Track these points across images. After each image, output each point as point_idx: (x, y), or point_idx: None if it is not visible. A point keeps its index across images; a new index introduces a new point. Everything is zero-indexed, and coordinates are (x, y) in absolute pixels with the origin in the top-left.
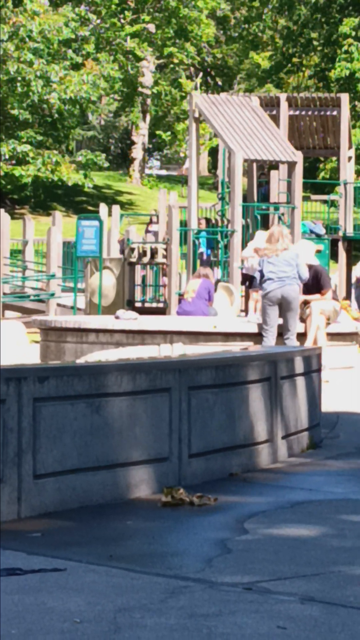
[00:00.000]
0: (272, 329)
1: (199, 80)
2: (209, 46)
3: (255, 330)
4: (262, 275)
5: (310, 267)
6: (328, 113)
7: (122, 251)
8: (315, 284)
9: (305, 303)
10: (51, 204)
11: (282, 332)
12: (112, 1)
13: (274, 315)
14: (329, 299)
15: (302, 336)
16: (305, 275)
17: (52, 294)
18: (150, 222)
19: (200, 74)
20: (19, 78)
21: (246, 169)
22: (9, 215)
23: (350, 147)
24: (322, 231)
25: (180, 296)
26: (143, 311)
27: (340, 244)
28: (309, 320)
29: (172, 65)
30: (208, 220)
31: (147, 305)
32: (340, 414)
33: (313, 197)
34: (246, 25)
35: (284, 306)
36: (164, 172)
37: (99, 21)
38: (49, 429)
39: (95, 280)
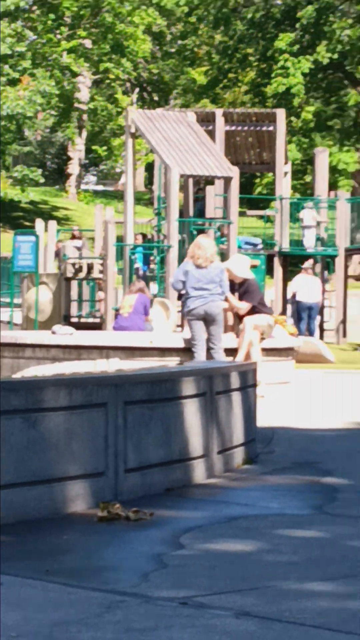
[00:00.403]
0: (201, 344)
1: (135, 96)
2: (145, 62)
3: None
4: (185, 289)
5: (244, 280)
6: (264, 128)
7: (57, 257)
8: (244, 295)
9: (239, 317)
10: None
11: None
12: (49, 17)
13: (200, 330)
14: (262, 315)
15: (236, 352)
16: (228, 290)
17: None
18: (73, 237)
19: (137, 90)
20: None
21: (182, 184)
22: None
23: (286, 163)
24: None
25: (117, 311)
26: (79, 326)
27: (276, 259)
28: (242, 336)
29: (108, 81)
30: (144, 236)
31: (83, 320)
32: (276, 429)
33: (249, 212)
34: (182, 41)
35: (208, 321)
36: (100, 188)
37: (35, 37)
38: None
39: (31, 295)
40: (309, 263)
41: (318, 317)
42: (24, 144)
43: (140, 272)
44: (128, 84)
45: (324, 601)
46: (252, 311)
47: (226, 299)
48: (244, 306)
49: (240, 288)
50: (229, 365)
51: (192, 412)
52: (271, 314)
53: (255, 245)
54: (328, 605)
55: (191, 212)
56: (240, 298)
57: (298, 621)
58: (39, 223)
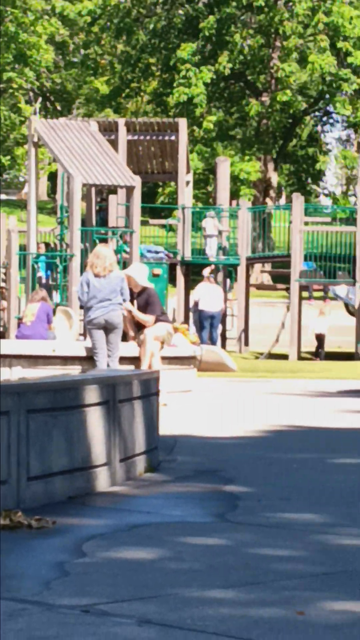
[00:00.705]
0: (102, 352)
1: (38, 105)
2: (48, 71)
3: None
4: (85, 300)
5: (143, 289)
6: (166, 138)
7: None
8: (146, 306)
9: (139, 327)
10: None
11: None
12: None
13: (101, 338)
14: (161, 324)
15: (138, 360)
16: (128, 298)
17: None
18: None
19: (40, 99)
20: None
21: (85, 193)
22: None
23: (188, 172)
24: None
25: (19, 320)
26: None
27: (178, 268)
28: (143, 347)
29: (11, 90)
30: (47, 245)
31: None
32: (178, 437)
33: (151, 221)
34: (85, 50)
35: (108, 329)
36: (3, 197)
37: None
38: None
39: None
40: (207, 271)
41: (220, 326)
42: None
43: (43, 281)
44: (31, 94)
45: (226, 608)
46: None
47: (130, 313)
48: (150, 319)
49: (139, 297)
50: (132, 373)
51: (94, 421)
52: (170, 322)
53: (157, 252)
54: (229, 612)
55: (94, 221)
56: (141, 308)
57: (199, 628)
58: None
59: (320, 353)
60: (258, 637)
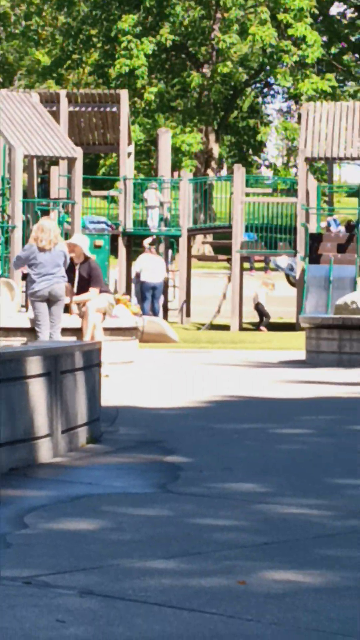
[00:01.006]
0: (44, 324)
1: None
2: None
3: None
4: (28, 271)
5: (85, 260)
6: (108, 109)
7: None
8: (88, 278)
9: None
10: None
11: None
12: None
13: (44, 310)
14: (102, 295)
15: (80, 332)
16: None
17: None
18: None
19: None
20: None
21: (26, 164)
22: None
23: (129, 143)
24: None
25: None
26: None
27: (120, 240)
28: (85, 319)
29: None
30: None
31: None
32: (120, 408)
33: (93, 192)
34: (26, 22)
35: (51, 301)
36: None
37: None
38: None
39: None
40: (147, 241)
41: (162, 297)
42: None
43: None
44: None
45: (167, 579)
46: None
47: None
48: (94, 294)
49: (81, 267)
50: (74, 344)
51: (37, 392)
52: (111, 293)
53: (99, 223)
54: (171, 582)
55: (35, 193)
56: (83, 279)
57: (141, 599)
58: None
59: (264, 321)
60: (199, 607)
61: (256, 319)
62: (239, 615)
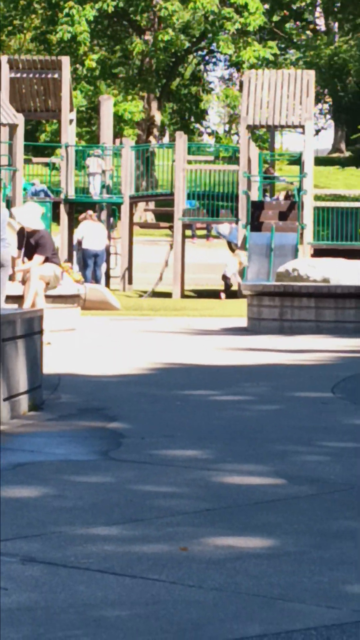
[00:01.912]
0: None
1: None
2: None
3: None
4: None
5: (35, 231)
6: (49, 76)
7: None
8: (36, 246)
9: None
10: None
11: None
12: None
13: None
14: (48, 264)
15: (21, 299)
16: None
17: None
18: None
19: None
20: None
21: None
22: None
23: (71, 110)
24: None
25: None
26: None
27: (62, 207)
28: (27, 286)
29: None
30: None
31: None
32: (62, 375)
33: (34, 159)
34: None
35: None
36: None
37: None
38: None
39: None
40: (90, 212)
41: (104, 264)
42: None
43: None
44: None
45: (109, 545)
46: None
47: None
48: (37, 261)
49: (31, 235)
50: (15, 312)
51: None
52: (58, 264)
53: (38, 191)
54: (113, 549)
55: None
56: (32, 248)
57: (83, 566)
58: None
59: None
60: (141, 574)
61: (200, 287)
62: (181, 581)
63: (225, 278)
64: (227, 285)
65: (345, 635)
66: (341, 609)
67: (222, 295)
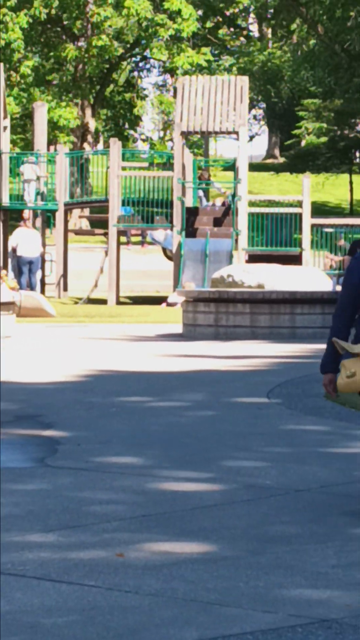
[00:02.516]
0: None
1: None
2: None
3: None
4: None
5: None
6: None
7: None
8: None
9: None
10: None
11: None
12: None
13: None
14: None
15: None
16: None
17: None
18: None
19: None
20: None
21: None
22: None
23: (5, 117)
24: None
25: None
26: None
27: None
28: None
29: None
30: None
31: None
32: None
33: None
34: None
35: None
36: None
37: None
38: None
39: None
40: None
41: (39, 272)
42: None
43: None
44: None
45: (46, 552)
46: None
47: None
48: None
49: None
50: None
51: None
52: None
53: None
54: (49, 556)
55: None
56: None
57: (20, 573)
58: None
59: None
60: (78, 580)
61: (135, 294)
62: (117, 587)
63: None
64: None
65: None
66: (277, 613)
67: (164, 304)
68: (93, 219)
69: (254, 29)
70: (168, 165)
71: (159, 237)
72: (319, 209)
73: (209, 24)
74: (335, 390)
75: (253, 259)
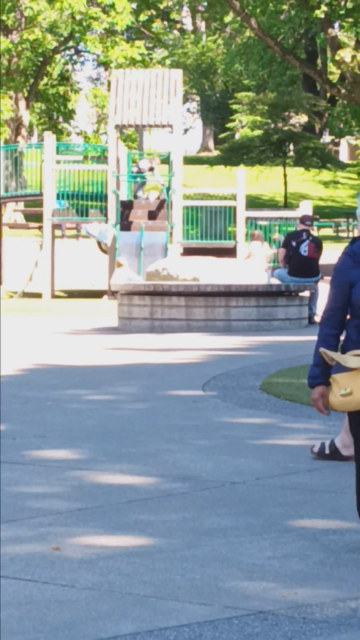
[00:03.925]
0: None
1: None
2: None
3: None
4: None
5: None
6: None
7: None
8: None
9: None
10: None
11: None
12: None
13: None
14: None
15: None
16: None
17: None
18: None
19: None
20: None
21: None
22: None
23: None
24: None
25: None
26: None
27: None
28: None
29: None
30: None
31: None
32: None
33: None
34: None
35: None
36: None
37: None
38: None
39: None
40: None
41: None
42: None
43: None
44: None
45: None
46: None
47: None
48: None
49: None
50: None
51: None
52: None
53: None
54: None
55: None
56: None
57: None
58: None
59: None
60: (14, 574)
61: (70, 287)
62: (53, 581)
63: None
64: None
65: (217, 632)
66: (213, 605)
67: (105, 297)
68: (27, 213)
69: (188, 22)
70: (102, 158)
71: (94, 231)
72: (253, 202)
73: (143, 18)
74: (326, 407)
75: (188, 251)
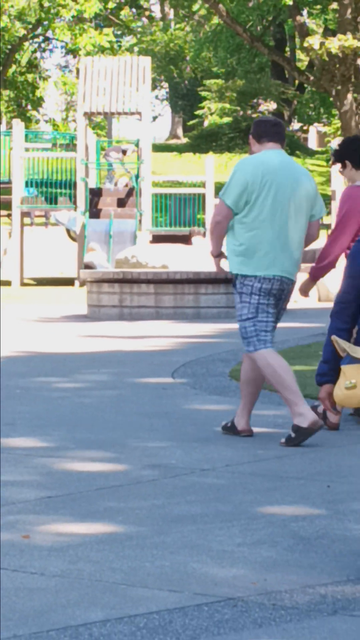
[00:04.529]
0: None
1: None
2: None
3: None
4: None
5: None
6: None
7: None
8: None
9: None
10: None
11: None
12: None
13: None
14: None
15: None
16: None
17: None
18: None
19: None
20: None
21: None
22: None
23: None
24: None
25: None
26: None
27: None
28: None
29: None
30: None
31: None
32: None
33: None
34: None
35: None
36: None
37: None
38: None
39: None
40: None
41: None
42: None
43: None
44: None
45: None
46: None
47: None
48: None
49: None
50: None
51: None
52: None
53: None
54: None
55: None
56: None
57: None
58: None
59: None
60: None
61: (39, 275)
62: (23, 569)
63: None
64: None
65: (187, 618)
66: (183, 592)
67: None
68: None
69: (157, 9)
70: (71, 146)
71: (63, 219)
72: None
73: (111, 5)
74: (334, 405)
75: (157, 239)
